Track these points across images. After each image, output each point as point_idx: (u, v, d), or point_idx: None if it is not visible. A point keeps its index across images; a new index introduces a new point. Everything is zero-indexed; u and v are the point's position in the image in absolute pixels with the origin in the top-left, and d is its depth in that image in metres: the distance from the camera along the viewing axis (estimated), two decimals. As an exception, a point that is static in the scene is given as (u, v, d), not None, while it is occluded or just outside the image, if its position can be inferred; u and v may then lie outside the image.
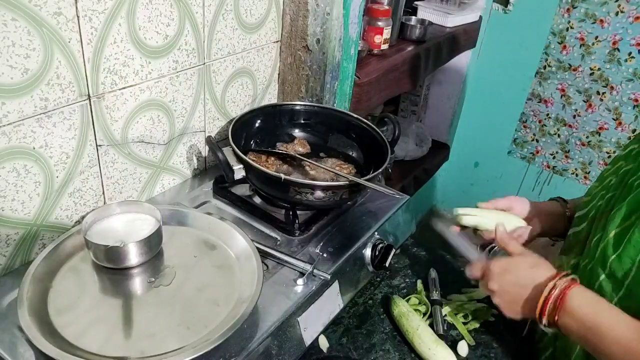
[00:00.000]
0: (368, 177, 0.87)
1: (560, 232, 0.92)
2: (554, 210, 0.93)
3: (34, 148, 0.71)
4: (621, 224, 0.68)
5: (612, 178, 0.78)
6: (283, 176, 0.82)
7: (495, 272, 0.75)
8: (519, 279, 0.73)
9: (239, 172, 0.88)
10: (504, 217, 0.88)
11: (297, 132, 1.09)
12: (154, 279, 0.74)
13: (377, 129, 1.01)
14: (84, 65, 0.73)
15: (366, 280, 0.93)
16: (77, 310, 0.68)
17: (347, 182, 0.87)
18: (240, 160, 0.87)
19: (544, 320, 0.68)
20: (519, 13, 1.89)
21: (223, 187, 0.97)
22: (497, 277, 0.75)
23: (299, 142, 1.06)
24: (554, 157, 2.06)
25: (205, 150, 1.04)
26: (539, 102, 2.03)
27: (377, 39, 1.36)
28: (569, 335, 0.67)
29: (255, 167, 0.85)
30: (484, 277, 0.77)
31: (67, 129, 0.75)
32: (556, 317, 0.67)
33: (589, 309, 0.65)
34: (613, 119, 1.89)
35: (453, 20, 1.72)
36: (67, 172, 0.78)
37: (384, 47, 1.39)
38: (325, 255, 0.85)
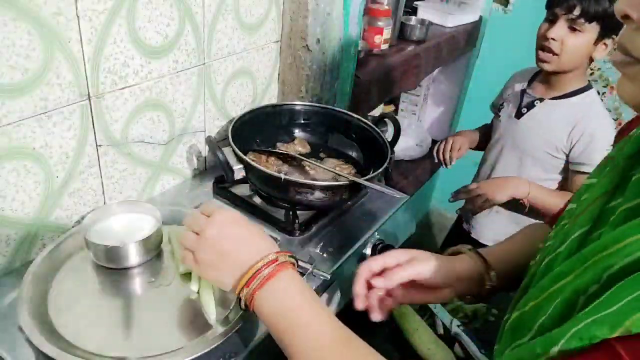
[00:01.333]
0: (368, 177, 0.87)
1: (474, 293, 0.72)
2: (471, 274, 0.71)
3: (34, 148, 0.71)
4: None
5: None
6: (283, 176, 0.82)
7: (217, 219, 0.62)
8: (238, 240, 0.61)
9: (239, 172, 0.88)
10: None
11: (297, 132, 1.09)
12: (154, 279, 0.74)
13: (377, 129, 1.01)
14: (84, 65, 0.73)
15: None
16: (77, 310, 0.68)
17: (347, 182, 0.87)
18: (240, 160, 0.87)
19: (244, 293, 0.58)
20: (519, 13, 1.89)
21: (223, 187, 0.97)
22: (211, 226, 0.61)
23: (299, 142, 1.06)
24: (554, 157, 2.05)
25: (205, 150, 1.04)
26: (539, 102, 2.03)
27: (377, 39, 1.36)
28: (261, 317, 0.59)
29: (255, 167, 0.85)
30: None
31: (67, 129, 0.75)
32: (255, 294, 0.58)
33: (290, 299, 0.58)
34: (613, 119, 1.89)
35: (453, 20, 1.72)
36: (67, 172, 0.78)
37: (384, 47, 1.39)
38: (325, 255, 0.85)
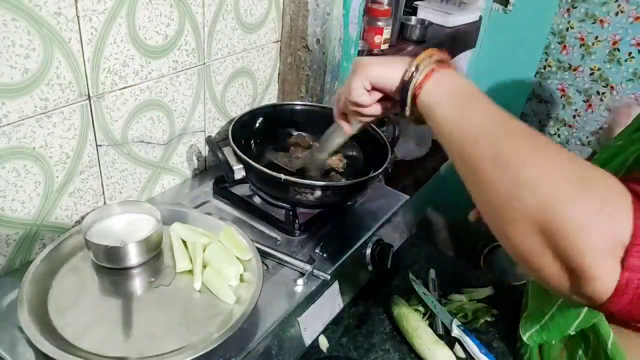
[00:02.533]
0: (368, 177, 0.87)
1: None
2: None
3: (34, 148, 0.71)
4: None
5: None
6: (283, 176, 0.82)
7: (360, 60, 0.66)
8: (393, 59, 0.64)
9: (239, 172, 0.88)
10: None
11: (297, 132, 1.09)
12: (154, 279, 0.74)
13: (377, 129, 1.01)
14: (84, 65, 0.73)
15: (366, 280, 0.93)
16: (77, 310, 0.68)
17: (347, 182, 0.87)
18: (240, 160, 0.87)
19: (416, 76, 0.58)
20: (519, 13, 1.89)
21: (223, 187, 0.97)
22: (363, 60, 0.65)
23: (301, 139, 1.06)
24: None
25: (205, 150, 1.04)
26: (539, 102, 2.03)
27: (377, 39, 1.36)
28: (432, 102, 0.57)
29: (255, 167, 0.85)
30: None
31: (67, 129, 0.75)
32: (430, 73, 0.57)
33: (464, 82, 0.57)
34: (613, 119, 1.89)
35: (453, 20, 1.72)
36: (67, 172, 0.78)
37: (384, 47, 1.39)
38: (325, 255, 0.85)
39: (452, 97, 0.56)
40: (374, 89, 0.65)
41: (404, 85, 0.59)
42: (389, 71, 0.62)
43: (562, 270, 0.43)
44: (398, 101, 0.61)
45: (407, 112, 0.60)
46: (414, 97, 0.59)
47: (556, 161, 0.45)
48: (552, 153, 0.46)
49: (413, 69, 0.58)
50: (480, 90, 0.56)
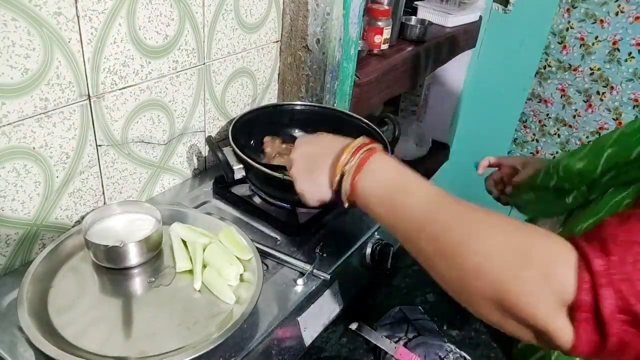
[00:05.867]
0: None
1: None
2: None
3: (34, 148, 0.71)
4: None
5: None
6: (283, 176, 0.82)
7: (298, 143, 0.69)
8: (323, 145, 0.66)
9: (239, 172, 0.88)
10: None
11: (297, 132, 1.09)
12: (154, 279, 0.74)
13: (377, 129, 1.01)
14: (84, 65, 0.73)
15: (366, 280, 0.93)
16: (77, 310, 0.68)
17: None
18: (240, 160, 0.87)
19: (345, 178, 0.60)
20: (519, 13, 1.89)
21: (223, 187, 0.97)
22: (298, 147, 0.68)
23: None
24: (554, 158, 2.06)
25: (205, 150, 1.04)
26: (539, 102, 2.04)
27: (377, 39, 1.36)
28: (368, 198, 0.58)
29: (255, 167, 0.85)
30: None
31: (67, 129, 0.75)
32: (357, 176, 0.58)
33: (394, 171, 0.58)
34: (613, 119, 1.89)
35: (453, 20, 1.72)
36: (67, 172, 0.78)
37: (384, 47, 1.39)
38: (325, 255, 0.85)
39: (382, 199, 0.57)
40: None
41: (337, 195, 0.62)
42: (315, 187, 0.65)
43: (529, 330, 0.46)
44: None
45: (347, 206, 0.63)
46: (350, 202, 0.61)
47: (495, 241, 0.47)
48: (490, 232, 0.48)
49: (338, 177, 0.61)
50: (410, 172, 0.57)
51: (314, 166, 0.65)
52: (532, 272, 0.44)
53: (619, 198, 0.64)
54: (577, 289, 0.42)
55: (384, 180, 0.57)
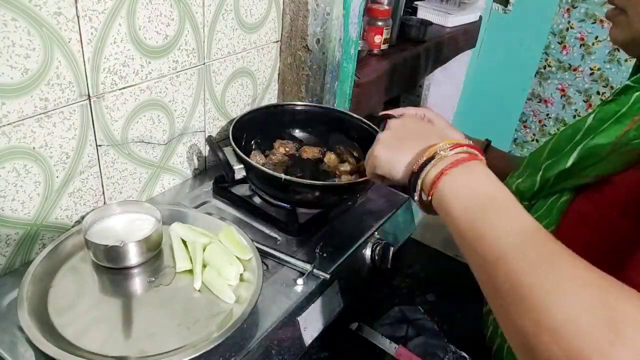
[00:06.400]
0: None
1: None
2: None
3: (34, 148, 0.72)
4: None
5: None
6: (283, 176, 0.82)
7: (392, 122, 0.63)
8: (423, 127, 0.61)
9: (240, 172, 0.88)
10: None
11: (297, 132, 1.09)
12: (154, 279, 0.74)
13: (377, 129, 1.01)
14: (84, 65, 0.73)
15: (366, 280, 0.93)
16: (77, 310, 0.68)
17: (347, 182, 0.87)
18: (240, 160, 0.87)
19: (427, 172, 0.53)
20: (519, 13, 1.89)
21: (223, 187, 0.97)
22: (393, 125, 0.63)
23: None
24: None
25: (205, 150, 1.04)
26: (539, 102, 2.04)
27: (377, 39, 1.36)
28: (447, 205, 0.51)
29: (255, 167, 0.85)
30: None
31: (67, 129, 0.75)
32: (444, 172, 0.52)
33: (492, 186, 0.51)
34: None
35: (453, 20, 1.73)
36: (67, 172, 0.78)
37: (384, 47, 1.39)
38: (325, 255, 0.85)
39: (469, 208, 0.49)
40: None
41: (411, 177, 0.55)
42: (394, 156, 0.59)
43: None
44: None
45: (417, 200, 0.56)
46: (428, 192, 0.53)
47: (583, 297, 0.39)
48: (579, 284, 0.40)
49: (424, 159, 0.54)
50: (509, 192, 0.50)
51: (405, 141, 0.58)
52: (626, 349, 0.36)
53: (560, 203, 0.62)
54: None
55: (479, 189, 0.50)
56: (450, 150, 0.53)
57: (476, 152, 0.55)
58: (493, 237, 0.46)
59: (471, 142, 0.56)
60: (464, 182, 0.51)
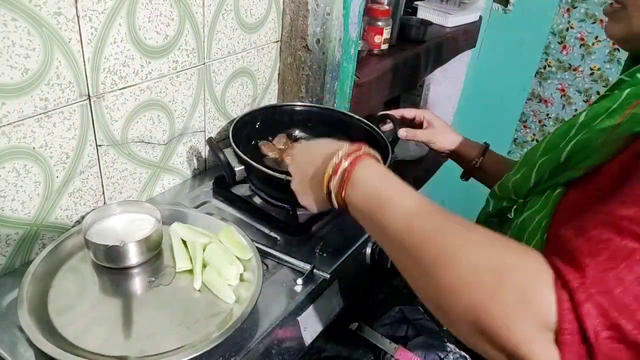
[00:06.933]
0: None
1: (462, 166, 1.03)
2: (468, 153, 1.02)
3: (34, 148, 0.72)
4: None
5: None
6: (285, 176, 0.82)
7: (294, 153, 0.70)
8: (313, 155, 0.65)
9: (241, 172, 0.88)
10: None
11: (297, 133, 1.09)
12: (154, 279, 0.74)
13: (377, 129, 1.01)
14: (84, 65, 0.73)
15: (366, 281, 0.93)
16: (77, 310, 0.68)
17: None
18: (241, 160, 0.87)
19: (332, 195, 0.60)
20: (519, 13, 1.89)
21: (223, 187, 0.97)
22: (293, 158, 0.69)
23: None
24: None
25: (205, 151, 1.04)
26: (539, 102, 2.04)
27: (377, 39, 1.36)
28: (355, 211, 0.59)
29: (256, 167, 0.85)
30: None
31: (67, 129, 0.75)
32: (343, 192, 0.59)
33: (376, 182, 0.57)
34: (613, 119, 1.89)
35: (453, 20, 1.72)
36: (67, 172, 0.78)
37: (384, 47, 1.39)
38: (325, 255, 0.85)
39: (366, 214, 0.57)
40: None
41: (331, 204, 0.62)
42: (314, 202, 0.66)
43: (510, 358, 0.42)
44: None
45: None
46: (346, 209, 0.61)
47: (471, 258, 0.44)
48: (467, 248, 0.45)
49: (326, 194, 0.61)
50: (392, 181, 0.57)
51: (308, 180, 0.65)
52: (510, 292, 0.41)
53: (554, 196, 0.63)
54: (558, 309, 0.39)
55: (365, 195, 0.57)
56: (334, 175, 0.59)
57: (358, 153, 0.60)
58: (388, 228, 0.53)
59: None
60: (354, 197, 0.58)
